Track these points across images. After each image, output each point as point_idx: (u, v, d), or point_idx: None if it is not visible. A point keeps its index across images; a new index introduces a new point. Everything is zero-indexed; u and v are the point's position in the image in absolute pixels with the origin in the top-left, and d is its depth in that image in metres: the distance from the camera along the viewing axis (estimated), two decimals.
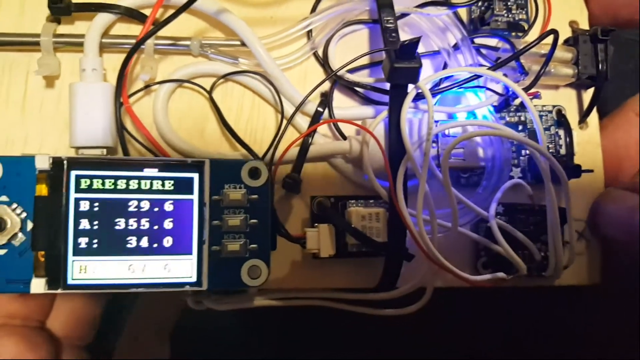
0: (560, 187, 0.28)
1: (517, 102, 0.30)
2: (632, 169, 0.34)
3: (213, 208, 0.25)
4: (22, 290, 0.24)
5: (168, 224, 0.25)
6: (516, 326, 0.39)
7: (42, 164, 0.24)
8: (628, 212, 0.29)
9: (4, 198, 0.24)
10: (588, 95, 0.33)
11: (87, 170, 0.24)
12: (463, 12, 0.31)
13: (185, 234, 0.25)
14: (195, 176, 0.25)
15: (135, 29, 0.29)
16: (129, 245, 0.24)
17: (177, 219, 0.25)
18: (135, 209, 0.25)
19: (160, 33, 0.27)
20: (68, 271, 0.24)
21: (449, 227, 0.28)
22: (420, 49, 0.30)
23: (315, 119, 0.29)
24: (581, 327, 0.39)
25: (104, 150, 0.27)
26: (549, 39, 0.30)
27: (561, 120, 0.32)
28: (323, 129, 0.29)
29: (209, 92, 0.28)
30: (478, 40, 0.31)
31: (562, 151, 0.31)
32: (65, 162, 0.24)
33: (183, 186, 0.25)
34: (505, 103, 0.30)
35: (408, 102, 0.27)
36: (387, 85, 0.28)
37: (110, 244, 0.24)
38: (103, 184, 0.24)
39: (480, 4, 0.31)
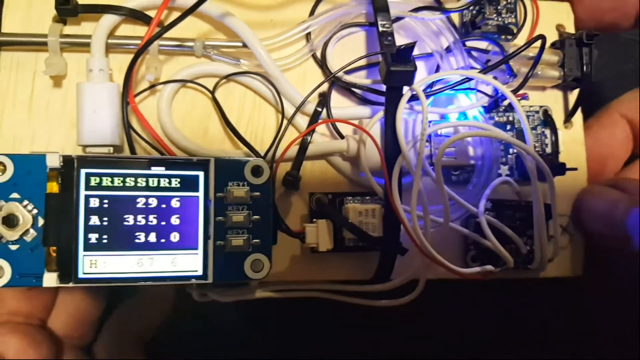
0: (545, 183, 0.30)
1: (505, 102, 0.32)
2: (615, 167, 0.35)
3: (218, 205, 0.26)
4: (34, 284, 0.25)
5: (175, 220, 0.26)
6: (505, 317, 0.41)
7: (53, 162, 0.25)
8: (608, 206, 0.31)
9: (15, 195, 0.25)
10: (573, 96, 0.34)
11: (97, 168, 0.25)
12: (455, 16, 0.33)
13: (191, 230, 0.26)
14: (201, 174, 0.26)
15: (140, 30, 0.29)
16: (137, 241, 0.25)
17: (184, 215, 0.26)
18: (144, 206, 0.26)
19: (165, 34, 0.28)
20: (79, 266, 0.25)
21: (440, 222, 0.29)
22: (415, 51, 0.31)
23: (314, 118, 0.30)
24: (566, 318, 0.41)
25: (111, 149, 0.28)
26: (537, 42, 0.31)
27: (547, 120, 0.33)
28: (321, 128, 0.31)
29: (212, 92, 0.29)
30: (469, 43, 0.32)
31: (548, 150, 0.33)
32: (75, 160, 0.25)
33: (189, 184, 0.26)
34: (494, 104, 0.31)
35: (403, 104, 0.28)
36: (383, 87, 0.29)
37: (120, 239, 0.25)
38: (112, 181, 0.25)
39: (471, 8, 0.33)
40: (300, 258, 0.30)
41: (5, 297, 0.29)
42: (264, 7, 0.31)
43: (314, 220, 0.29)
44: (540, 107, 0.33)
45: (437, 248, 0.28)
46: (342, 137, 0.30)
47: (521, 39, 0.33)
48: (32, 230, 0.25)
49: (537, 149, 0.33)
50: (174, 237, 0.26)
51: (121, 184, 0.25)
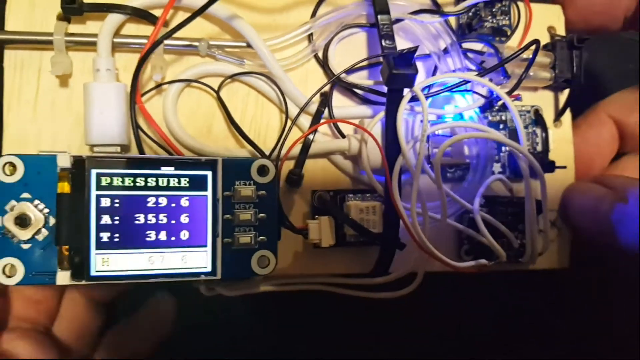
0: (537, 180, 0.31)
1: (500, 103, 0.33)
2: (602, 164, 0.37)
3: (225, 203, 0.27)
4: (47, 282, 0.25)
5: (184, 219, 0.27)
6: (502, 310, 0.43)
7: (64, 162, 0.25)
8: (594, 202, 0.32)
9: (26, 195, 0.25)
10: (564, 96, 0.35)
11: (108, 168, 0.26)
12: (452, 18, 0.34)
13: (200, 228, 0.27)
14: (209, 174, 0.27)
15: (144, 29, 0.30)
16: (148, 239, 0.26)
17: (193, 214, 0.27)
18: (154, 205, 0.26)
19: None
20: (91, 264, 0.25)
21: (437, 218, 0.31)
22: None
23: (316, 118, 0.31)
24: (555, 309, 0.43)
25: (118, 148, 0.28)
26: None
27: (538, 119, 0.34)
28: (323, 127, 0.31)
29: (217, 92, 0.30)
30: (465, 45, 0.33)
31: (539, 148, 0.34)
32: (86, 160, 0.26)
33: (198, 183, 0.27)
34: (489, 104, 0.33)
35: (404, 105, 0.29)
36: (383, 87, 0.30)
37: (131, 237, 0.26)
38: (123, 181, 0.26)
39: (468, 11, 0.33)
40: (303, 253, 0.31)
41: (14, 303, 0.29)
42: (268, 9, 0.31)
43: (317, 216, 0.30)
44: (532, 107, 0.35)
45: (433, 243, 0.29)
46: (343, 136, 0.31)
47: (515, 40, 0.34)
48: (43, 230, 0.25)
49: (528, 147, 0.34)
50: (184, 235, 0.27)
51: (132, 184, 0.26)
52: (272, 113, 0.31)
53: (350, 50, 0.32)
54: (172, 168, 0.27)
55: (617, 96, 0.36)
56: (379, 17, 0.30)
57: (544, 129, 0.34)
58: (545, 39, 0.35)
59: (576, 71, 0.34)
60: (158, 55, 0.29)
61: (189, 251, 0.27)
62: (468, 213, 0.32)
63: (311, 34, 0.31)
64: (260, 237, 0.27)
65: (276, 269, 0.28)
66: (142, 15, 0.29)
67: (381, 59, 0.30)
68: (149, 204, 0.26)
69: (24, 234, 0.25)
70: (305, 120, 0.31)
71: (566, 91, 0.35)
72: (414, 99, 0.30)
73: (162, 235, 0.26)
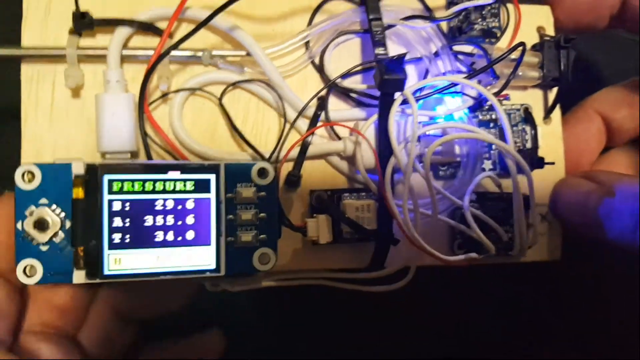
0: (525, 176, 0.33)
1: (489, 102, 0.35)
2: (591, 158, 0.38)
3: (228, 204, 0.29)
4: (64, 281, 0.27)
5: (190, 220, 0.29)
6: (498, 304, 0.44)
7: (78, 169, 0.27)
8: (582, 197, 0.33)
9: (44, 201, 0.27)
10: (553, 94, 0.37)
11: (119, 174, 0.28)
12: (443, 22, 0.35)
13: (204, 228, 0.29)
14: (212, 177, 0.29)
15: (150, 41, 0.31)
16: (156, 239, 0.28)
17: (198, 215, 0.29)
18: (161, 207, 0.28)
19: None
20: (104, 263, 0.28)
21: (429, 214, 0.32)
22: (406, 56, 0.34)
23: (314, 121, 0.32)
24: (551, 305, 0.44)
25: (128, 154, 0.30)
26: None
27: (528, 117, 0.36)
28: (320, 130, 0.33)
29: (219, 99, 0.32)
30: (456, 48, 0.34)
31: (528, 145, 0.36)
32: (98, 168, 0.28)
33: (202, 186, 0.29)
34: (479, 104, 0.34)
35: (395, 108, 0.31)
36: (377, 91, 0.32)
37: (141, 238, 0.28)
38: (133, 186, 0.28)
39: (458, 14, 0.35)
40: (302, 250, 0.33)
41: (40, 310, 0.31)
42: (266, 19, 0.33)
43: (315, 215, 0.32)
44: (522, 105, 0.36)
45: (426, 238, 0.31)
46: (339, 138, 0.33)
47: (504, 41, 0.36)
48: (60, 233, 0.27)
49: (518, 144, 0.35)
50: (190, 234, 0.29)
51: (141, 188, 0.28)
52: (272, 118, 0.33)
53: (346, 55, 0.34)
54: (178, 172, 0.28)
55: (603, 92, 0.37)
56: (372, 23, 0.32)
57: (533, 126, 0.36)
58: (534, 39, 0.36)
59: (564, 70, 0.35)
60: (164, 66, 0.31)
61: (195, 250, 0.29)
62: (460, 209, 0.34)
63: (308, 42, 0.33)
64: (261, 236, 0.29)
65: (277, 265, 0.30)
66: (148, 28, 0.31)
67: (374, 64, 0.31)
68: (157, 207, 0.28)
69: (42, 237, 0.27)
70: (303, 124, 0.33)
71: (555, 89, 0.36)
72: (406, 101, 0.31)
73: (170, 236, 0.28)
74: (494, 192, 0.35)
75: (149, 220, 0.28)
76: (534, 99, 0.37)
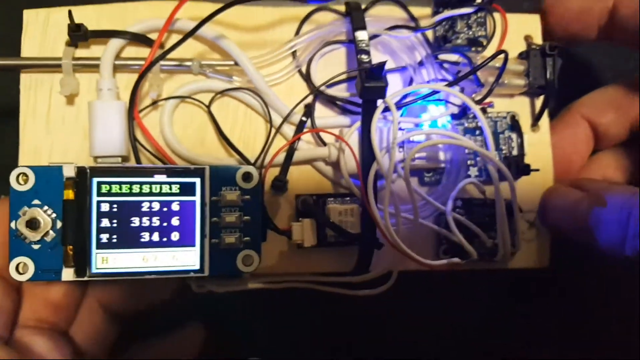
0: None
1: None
2: (579, 163, 0.38)
3: (212, 207, 0.30)
4: (54, 278, 0.29)
5: (175, 221, 0.30)
6: (488, 310, 0.44)
7: (69, 172, 0.29)
8: (571, 206, 0.33)
9: (37, 202, 0.28)
10: (540, 101, 0.37)
11: (107, 177, 0.29)
12: (429, 31, 0.36)
13: (189, 229, 0.30)
14: (197, 180, 0.30)
15: (142, 51, 0.33)
16: (142, 240, 0.29)
17: (183, 217, 0.30)
18: (148, 209, 0.29)
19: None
20: (92, 262, 0.29)
21: (411, 219, 0.33)
22: (391, 64, 0.35)
23: (300, 128, 0.33)
24: (537, 306, 0.44)
25: (119, 159, 0.31)
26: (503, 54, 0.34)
27: (514, 125, 0.36)
28: (306, 136, 0.34)
29: (208, 107, 0.33)
30: (442, 56, 0.35)
31: (515, 152, 0.36)
32: (88, 170, 0.29)
33: (187, 189, 0.30)
34: (463, 112, 0.35)
35: (377, 115, 0.31)
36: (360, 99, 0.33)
37: (127, 238, 0.29)
38: (120, 188, 0.29)
39: (444, 23, 0.36)
40: (288, 253, 0.34)
41: (35, 306, 0.32)
42: (254, 29, 0.34)
43: (300, 219, 0.32)
44: (508, 113, 0.36)
45: (411, 242, 0.31)
46: (324, 144, 0.34)
47: (491, 50, 0.36)
48: (51, 232, 0.28)
49: (504, 152, 0.36)
50: (175, 236, 0.30)
51: (128, 191, 0.29)
52: (259, 124, 0.34)
53: (331, 64, 0.35)
54: (164, 176, 0.30)
55: (589, 97, 0.37)
56: (355, 33, 0.33)
57: (520, 134, 0.36)
58: (522, 48, 0.37)
59: (549, 77, 0.35)
60: (155, 75, 0.32)
61: (179, 250, 0.30)
62: (445, 214, 0.34)
63: (295, 51, 0.34)
64: (245, 238, 0.30)
65: (262, 268, 0.31)
66: (140, 39, 0.32)
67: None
68: (144, 208, 0.29)
69: (34, 236, 0.28)
70: (290, 131, 0.34)
71: (542, 96, 0.37)
72: (388, 109, 0.32)
73: (155, 236, 0.29)
74: (479, 199, 0.35)
75: (135, 221, 0.29)
76: (522, 107, 0.37)
